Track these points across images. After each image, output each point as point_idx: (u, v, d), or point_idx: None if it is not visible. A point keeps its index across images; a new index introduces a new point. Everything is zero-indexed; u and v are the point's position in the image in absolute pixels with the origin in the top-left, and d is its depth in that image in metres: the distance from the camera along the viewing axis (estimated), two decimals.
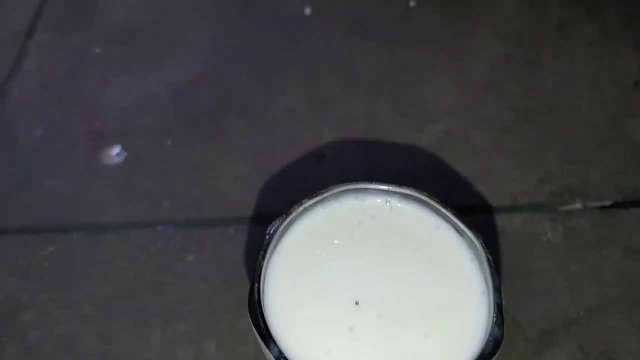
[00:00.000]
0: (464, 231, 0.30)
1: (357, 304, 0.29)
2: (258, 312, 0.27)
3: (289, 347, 0.27)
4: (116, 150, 0.57)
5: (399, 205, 0.32)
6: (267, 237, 0.30)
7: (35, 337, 0.46)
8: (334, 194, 0.32)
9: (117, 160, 0.57)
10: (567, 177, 0.54)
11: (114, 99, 0.61)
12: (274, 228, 0.30)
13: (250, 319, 0.28)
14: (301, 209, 0.31)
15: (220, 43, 0.66)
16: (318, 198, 0.31)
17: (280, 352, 0.26)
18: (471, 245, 0.30)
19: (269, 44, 0.65)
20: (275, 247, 0.31)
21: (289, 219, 0.31)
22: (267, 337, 0.27)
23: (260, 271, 0.28)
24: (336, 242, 0.31)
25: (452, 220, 0.31)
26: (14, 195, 0.55)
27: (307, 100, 0.60)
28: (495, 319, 0.28)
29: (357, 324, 0.28)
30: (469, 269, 0.30)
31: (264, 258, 0.29)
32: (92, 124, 0.59)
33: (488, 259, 0.29)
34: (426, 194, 0.31)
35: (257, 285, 0.28)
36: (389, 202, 0.32)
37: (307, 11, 0.67)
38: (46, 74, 0.64)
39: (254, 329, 0.27)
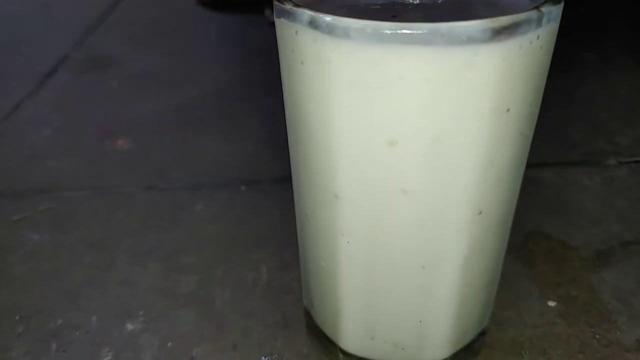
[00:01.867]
0: None
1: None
2: None
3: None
4: (123, 140, 0.56)
5: None
6: None
7: (20, 271, 0.40)
8: None
9: (124, 147, 0.55)
10: (597, 142, 0.52)
11: (125, 113, 0.61)
12: None
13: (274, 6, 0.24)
14: None
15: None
16: None
17: (312, 17, 0.22)
18: None
19: None
20: None
21: None
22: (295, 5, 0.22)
23: None
24: None
25: None
26: (14, 171, 0.52)
27: None
28: None
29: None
30: None
31: None
32: (101, 125, 0.58)
33: None
34: None
35: None
36: None
37: None
38: (59, 100, 0.65)
39: (279, 11, 0.23)
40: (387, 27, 0.20)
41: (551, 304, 0.35)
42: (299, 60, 0.24)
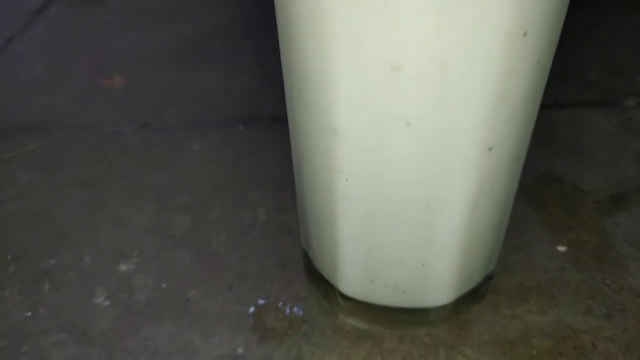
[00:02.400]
0: None
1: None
2: None
3: None
4: (117, 77, 0.53)
5: None
6: None
7: (9, 211, 0.39)
8: None
9: (118, 84, 0.53)
10: (615, 81, 0.49)
11: (119, 49, 0.58)
12: None
13: None
14: None
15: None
16: None
17: None
18: None
19: None
20: None
21: None
22: None
23: None
24: None
25: None
26: (2, 109, 0.50)
27: None
28: None
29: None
30: None
31: None
32: (94, 61, 0.56)
33: None
34: None
35: None
36: None
37: None
38: (51, 34, 0.62)
39: None
40: None
41: (561, 248, 0.34)
42: None
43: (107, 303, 0.32)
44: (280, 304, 0.31)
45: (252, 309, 0.31)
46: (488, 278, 0.30)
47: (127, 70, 0.54)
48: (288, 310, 0.31)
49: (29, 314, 0.32)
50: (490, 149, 0.23)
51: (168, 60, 0.56)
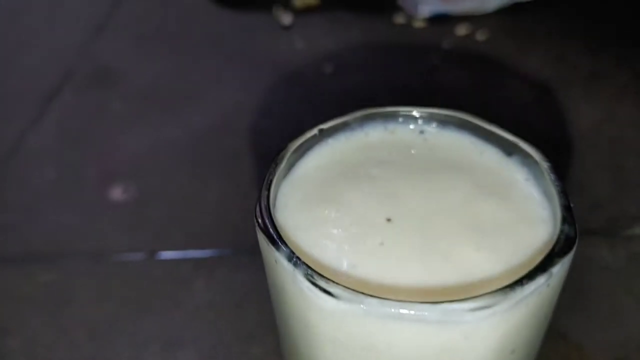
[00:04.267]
0: (514, 146, 0.26)
1: (389, 220, 0.23)
2: (265, 214, 0.22)
3: (305, 258, 0.21)
4: (126, 186, 0.54)
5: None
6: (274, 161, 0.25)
7: None
8: (356, 120, 0.27)
9: (126, 196, 0.53)
10: (622, 203, 0.49)
11: (129, 144, 0.59)
12: (283, 151, 0.26)
13: (255, 223, 0.22)
14: (316, 131, 0.26)
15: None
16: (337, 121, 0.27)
17: (292, 253, 0.20)
18: (523, 162, 0.25)
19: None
20: (285, 175, 0.26)
21: (300, 141, 0.26)
22: (276, 237, 0.21)
23: (271, 182, 0.24)
24: (362, 172, 0.26)
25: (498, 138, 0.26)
26: (14, 227, 0.51)
27: None
28: (563, 218, 0.22)
29: (389, 238, 0.22)
30: (523, 187, 0.25)
31: (276, 167, 0.24)
32: (104, 165, 0.57)
33: (547, 168, 0.24)
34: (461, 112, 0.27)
35: (266, 192, 0.23)
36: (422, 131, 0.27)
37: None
38: (63, 127, 0.63)
39: (259, 231, 0.22)
40: (378, 305, 0.18)
41: None
42: (280, 285, 0.21)
43: None
44: None
45: None
46: None
47: (135, 178, 0.54)
48: None
49: None
50: None
51: (176, 164, 0.56)
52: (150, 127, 0.61)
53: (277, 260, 0.21)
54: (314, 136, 0.27)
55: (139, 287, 0.44)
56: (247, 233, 0.48)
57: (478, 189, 0.25)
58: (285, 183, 0.25)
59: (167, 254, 0.47)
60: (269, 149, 0.56)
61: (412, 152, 0.27)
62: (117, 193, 0.53)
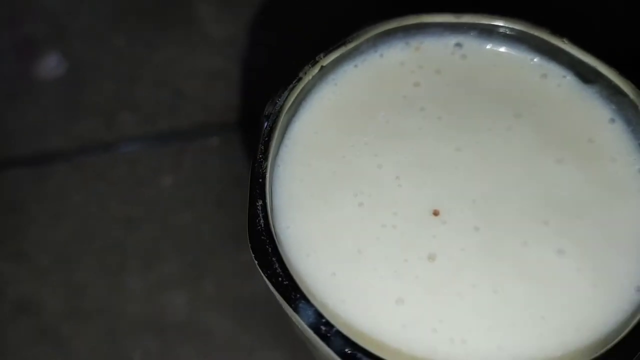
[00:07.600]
0: (594, 74, 0.18)
1: (435, 214, 0.17)
2: (269, 249, 0.15)
3: (328, 303, 0.15)
4: (53, 59, 0.44)
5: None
6: (265, 125, 0.18)
7: None
8: (368, 40, 0.19)
9: (57, 71, 0.43)
10: None
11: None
12: (275, 108, 0.18)
13: (255, 263, 0.16)
14: (316, 69, 0.18)
15: None
16: (343, 49, 0.19)
17: (319, 315, 0.14)
18: (607, 95, 0.18)
19: None
20: (282, 139, 0.18)
21: (297, 89, 0.18)
22: (290, 289, 0.15)
23: (263, 181, 0.16)
24: (381, 118, 0.19)
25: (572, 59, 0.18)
26: None
27: None
28: None
29: (439, 248, 0.16)
30: (608, 134, 0.18)
31: (264, 159, 0.17)
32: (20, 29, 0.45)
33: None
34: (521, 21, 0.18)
35: (259, 203, 0.16)
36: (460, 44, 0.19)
37: None
38: None
39: (265, 279, 0.15)
40: None
41: None
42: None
43: None
44: None
45: None
46: None
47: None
48: None
49: None
50: None
51: None
52: None
53: (298, 324, 0.15)
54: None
55: (98, 194, 0.38)
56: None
57: (545, 139, 0.18)
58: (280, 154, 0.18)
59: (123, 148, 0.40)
60: None
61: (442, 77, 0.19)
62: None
